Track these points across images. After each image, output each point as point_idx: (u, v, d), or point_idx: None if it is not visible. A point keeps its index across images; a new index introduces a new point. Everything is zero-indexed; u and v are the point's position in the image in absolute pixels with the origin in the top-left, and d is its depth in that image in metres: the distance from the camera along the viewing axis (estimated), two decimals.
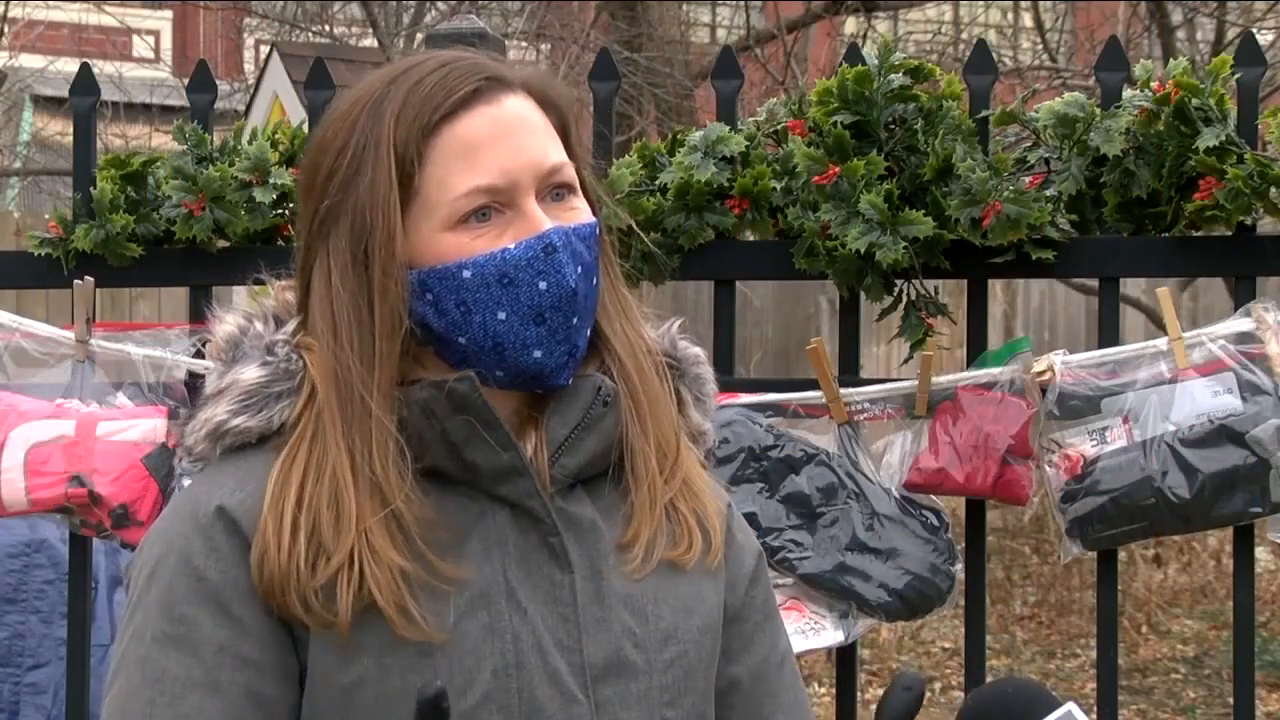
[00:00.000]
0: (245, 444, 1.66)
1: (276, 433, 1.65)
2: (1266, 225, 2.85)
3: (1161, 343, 2.75)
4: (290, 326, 1.69)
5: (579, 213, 1.68)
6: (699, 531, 1.73)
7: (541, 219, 1.64)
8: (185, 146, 2.98)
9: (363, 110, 1.66)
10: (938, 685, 7.87)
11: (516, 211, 1.64)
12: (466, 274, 1.63)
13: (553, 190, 1.67)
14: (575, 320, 1.65)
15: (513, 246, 1.63)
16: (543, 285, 1.63)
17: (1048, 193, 2.77)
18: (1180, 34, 9.96)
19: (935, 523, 2.78)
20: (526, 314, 1.63)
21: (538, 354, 1.64)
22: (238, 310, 1.72)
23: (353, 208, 1.64)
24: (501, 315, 1.63)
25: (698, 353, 1.80)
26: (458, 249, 1.63)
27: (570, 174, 1.69)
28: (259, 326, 1.69)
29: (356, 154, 1.64)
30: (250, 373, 1.66)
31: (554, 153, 1.67)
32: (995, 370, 2.75)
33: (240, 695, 1.60)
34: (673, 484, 1.72)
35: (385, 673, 1.60)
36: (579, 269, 1.65)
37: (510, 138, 1.65)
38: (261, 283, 1.77)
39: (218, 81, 3.11)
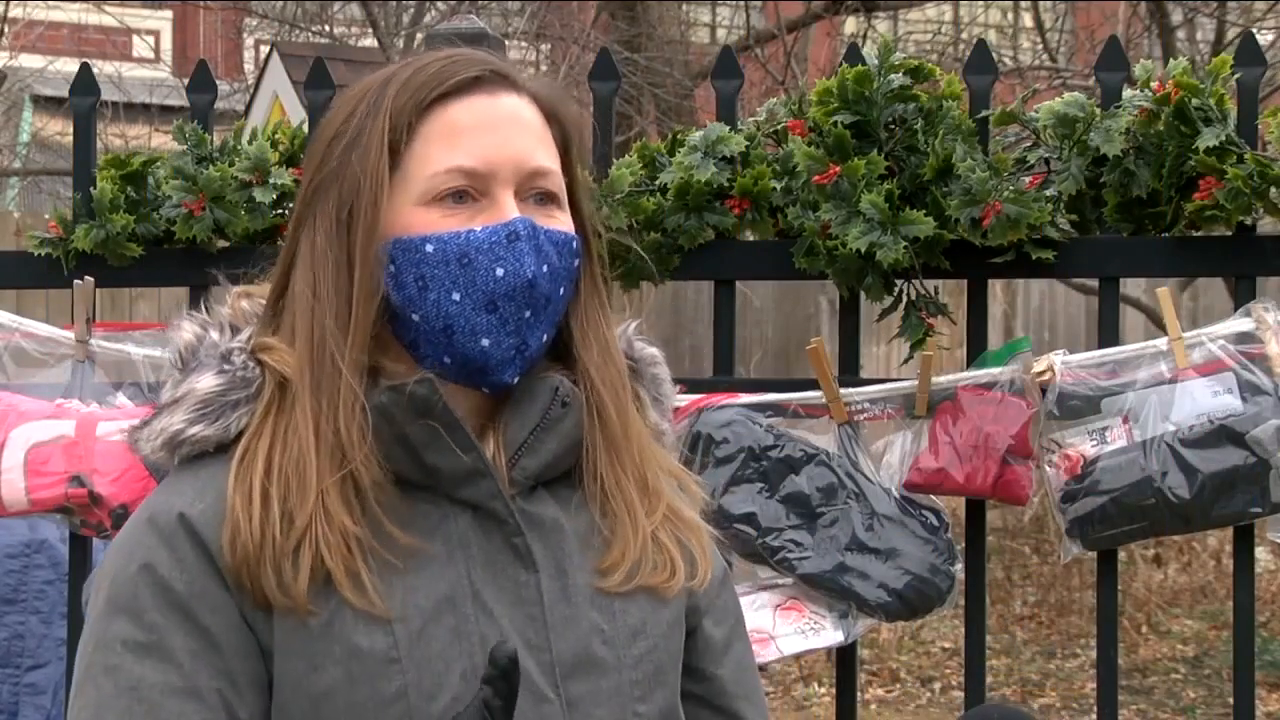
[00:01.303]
0: (203, 453, 1.65)
1: (234, 441, 1.64)
2: (1266, 225, 2.85)
3: (1161, 343, 2.75)
4: (245, 334, 1.69)
5: (557, 222, 1.68)
6: (681, 560, 1.72)
7: (512, 209, 1.65)
8: (185, 146, 2.98)
9: (373, 87, 1.69)
10: (938, 685, 7.87)
11: (491, 200, 1.65)
12: (429, 248, 1.63)
13: (534, 194, 1.67)
14: (528, 314, 1.65)
15: (478, 229, 1.64)
16: (500, 271, 1.63)
17: (1048, 193, 2.76)
18: (1180, 34, 9.96)
19: (935, 523, 2.78)
20: (480, 299, 1.63)
21: (485, 342, 1.64)
22: (194, 318, 1.72)
23: (346, 173, 1.66)
24: (456, 296, 1.63)
25: (654, 353, 1.80)
26: (426, 225, 1.64)
27: (556, 184, 1.69)
28: (214, 335, 1.69)
29: (358, 122, 1.67)
30: (206, 381, 1.66)
31: (542, 157, 1.68)
32: (995, 370, 2.75)
33: (220, 703, 1.59)
34: (654, 519, 1.72)
35: (353, 682, 1.59)
36: (544, 267, 1.64)
37: (499, 130, 1.66)
38: (216, 283, 1.79)
39: (218, 81, 3.11)
